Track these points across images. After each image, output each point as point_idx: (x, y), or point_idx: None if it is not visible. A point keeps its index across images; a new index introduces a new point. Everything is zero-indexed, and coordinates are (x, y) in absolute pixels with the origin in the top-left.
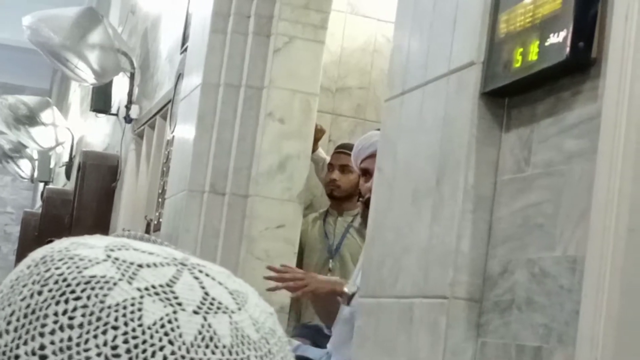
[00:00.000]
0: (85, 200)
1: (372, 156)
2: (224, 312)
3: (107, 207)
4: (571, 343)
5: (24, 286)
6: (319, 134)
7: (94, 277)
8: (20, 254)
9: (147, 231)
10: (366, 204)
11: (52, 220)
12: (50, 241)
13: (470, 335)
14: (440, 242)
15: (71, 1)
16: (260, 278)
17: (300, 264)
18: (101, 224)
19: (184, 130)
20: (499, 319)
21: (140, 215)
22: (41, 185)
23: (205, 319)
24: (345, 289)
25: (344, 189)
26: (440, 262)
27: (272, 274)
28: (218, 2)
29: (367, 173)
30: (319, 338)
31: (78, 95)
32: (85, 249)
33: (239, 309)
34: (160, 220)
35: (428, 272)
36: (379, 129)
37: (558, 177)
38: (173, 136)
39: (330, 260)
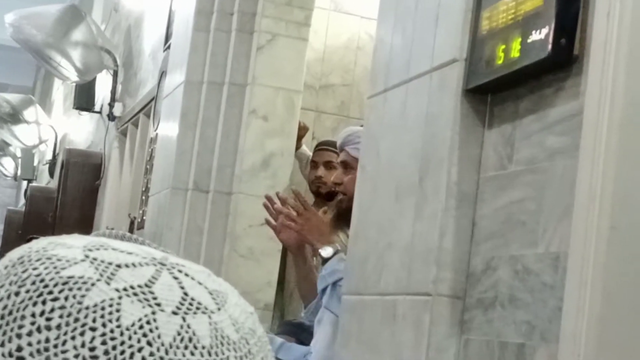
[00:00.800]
0: (69, 198)
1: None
2: (204, 313)
3: (91, 205)
4: (554, 340)
5: (1, 287)
6: (302, 131)
7: (71, 277)
8: (4, 252)
9: (131, 229)
10: (329, 197)
11: (35, 218)
12: (32, 239)
13: (454, 332)
14: (424, 239)
15: None
16: (244, 275)
17: (284, 261)
18: (85, 222)
19: (167, 128)
20: (482, 316)
21: (124, 213)
22: (25, 183)
23: (184, 319)
24: (321, 251)
25: (329, 185)
26: (424, 259)
27: (271, 205)
28: None
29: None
30: (303, 335)
31: (61, 93)
32: (63, 249)
33: (219, 309)
34: (144, 218)
35: (411, 269)
36: (362, 126)
37: (541, 174)
38: (156, 134)
39: (314, 258)
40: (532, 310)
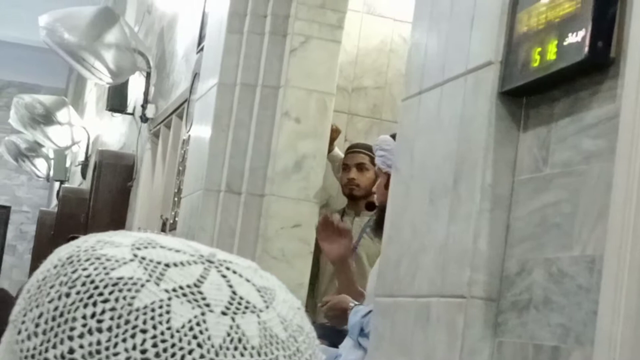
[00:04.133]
0: (101, 200)
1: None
2: (252, 312)
3: (123, 207)
4: (589, 343)
5: (51, 287)
6: (334, 133)
7: (121, 278)
8: (36, 253)
9: (163, 230)
10: (372, 207)
11: (68, 220)
12: (73, 237)
13: (488, 334)
14: (458, 241)
15: (87, 1)
16: (276, 276)
17: (316, 264)
18: (117, 223)
19: (200, 130)
20: (517, 318)
21: (156, 214)
22: (57, 184)
23: (233, 319)
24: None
25: (363, 187)
26: (458, 261)
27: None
28: (234, 2)
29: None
30: (336, 338)
31: (94, 94)
32: (112, 248)
33: (267, 307)
34: (176, 219)
35: (445, 272)
36: (393, 135)
37: (576, 177)
38: (189, 135)
39: (348, 259)
40: (566, 313)
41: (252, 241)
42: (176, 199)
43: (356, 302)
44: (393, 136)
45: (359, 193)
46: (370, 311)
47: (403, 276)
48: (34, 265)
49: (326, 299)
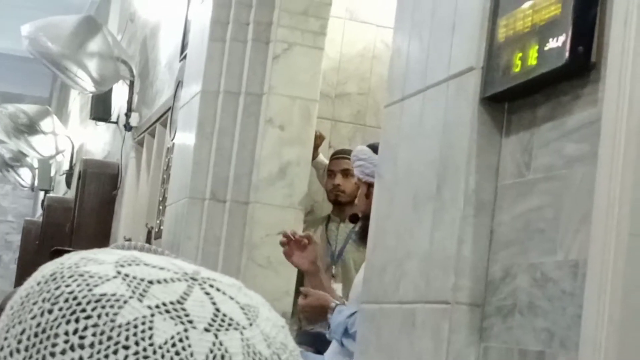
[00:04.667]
0: (86, 209)
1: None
2: (235, 329)
3: (108, 215)
4: (574, 347)
5: (34, 304)
6: (318, 140)
7: (104, 295)
8: (22, 263)
9: (149, 239)
10: (355, 218)
11: (53, 229)
12: (56, 251)
13: (473, 340)
14: (442, 247)
15: (70, 9)
16: (262, 285)
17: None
18: (102, 232)
19: (184, 138)
20: (502, 323)
21: (141, 222)
22: (42, 193)
23: (216, 336)
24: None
25: (348, 193)
26: (442, 267)
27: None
28: (217, 9)
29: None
30: (321, 345)
31: (78, 103)
32: (95, 265)
33: (250, 325)
34: (162, 227)
35: (430, 278)
36: (370, 145)
37: (559, 182)
38: (173, 144)
39: (333, 267)
40: (551, 317)
41: (238, 249)
42: (161, 207)
43: (337, 302)
44: (370, 146)
45: (345, 199)
46: (355, 312)
47: (388, 283)
48: (20, 275)
49: (305, 289)
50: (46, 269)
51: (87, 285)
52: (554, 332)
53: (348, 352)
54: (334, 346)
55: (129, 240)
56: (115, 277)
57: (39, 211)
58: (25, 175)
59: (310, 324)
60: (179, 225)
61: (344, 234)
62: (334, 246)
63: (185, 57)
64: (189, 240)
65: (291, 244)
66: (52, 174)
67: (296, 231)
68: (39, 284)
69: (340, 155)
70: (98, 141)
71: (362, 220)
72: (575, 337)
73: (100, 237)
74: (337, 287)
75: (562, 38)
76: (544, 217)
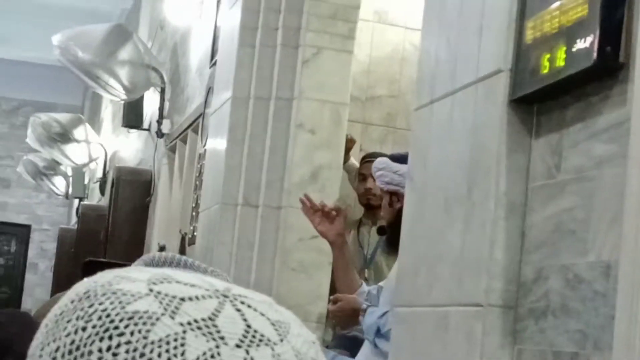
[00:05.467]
0: (120, 216)
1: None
2: (266, 345)
3: (142, 222)
4: (607, 348)
5: (68, 322)
6: (350, 143)
7: (136, 312)
8: (57, 271)
9: (182, 245)
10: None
11: (87, 236)
12: (89, 262)
13: (506, 342)
14: (473, 249)
15: (101, 18)
16: (296, 289)
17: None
18: (136, 239)
19: (215, 144)
20: (535, 325)
21: (175, 229)
22: (76, 201)
23: (247, 352)
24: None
25: (379, 196)
26: (474, 269)
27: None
28: (246, 15)
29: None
30: (356, 348)
31: (110, 111)
32: (128, 283)
33: (281, 341)
34: (195, 234)
35: (462, 280)
36: (384, 155)
37: (589, 182)
38: (205, 150)
39: (366, 270)
40: (584, 319)
41: (271, 254)
42: (194, 213)
43: (368, 304)
44: (388, 156)
45: (376, 202)
46: (386, 312)
47: (420, 286)
48: (56, 283)
49: (335, 296)
50: (80, 287)
51: (120, 303)
52: (587, 334)
53: (382, 353)
54: (366, 348)
55: (163, 247)
56: (147, 294)
57: (74, 219)
58: (59, 184)
59: (343, 329)
60: (212, 231)
61: (375, 238)
62: (366, 249)
63: (215, 63)
64: (222, 245)
65: (320, 215)
66: (86, 181)
67: (325, 203)
68: (72, 302)
69: (371, 158)
70: (130, 148)
71: (388, 230)
72: (609, 338)
73: (135, 244)
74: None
75: (589, 39)
76: (575, 218)
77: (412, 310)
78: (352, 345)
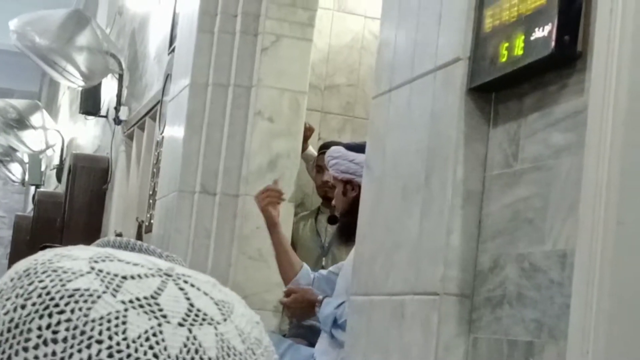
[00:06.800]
0: (77, 203)
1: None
2: (210, 324)
3: (99, 209)
4: (562, 337)
5: (7, 300)
6: (308, 132)
7: (77, 290)
8: (13, 258)
9: (139, 232)
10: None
11: (44, 224)
12: (45, 247)
13: (462, 331)
14: (431, 237)
15: (59, 3)
16: (253, 277)
17: None
18: (93, 226)
19: (173, 131)
20: (491, 314)
21: (132, 216)
22: (32, 188)
23: (190, 331)
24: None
25: None
26: (431, 258)
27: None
28: (205, 1)
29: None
30: (314, 337)
31: (67, 97)
32: (69, 261)
33: (225, 320)
34: (152, 221)
35: (419, 269)
36: (337, 144)
37: (546, 172)
38: (163, 137)
39: (323, 258)
40: (540, 307)
41: (228, 241)
42: (151, 201)
43: (323, 294)
44: (345, 145)
45: (334, 194)
46: (342, 302)
47: (377, 274)
48: None
49: (288, 288)
50: (20, 266)
51: (61, 280)
52: (542, 322)
53: (338, 343)
54: (323, 339)
55: (120, 234)
56: (89, 272)
57: (30, 206)
58: (15, 170)
59: (299, 321)
60: (170, 218)
61: (333, 227)
62: (324, 238)
63: (173, 49)
64: (179, 233)
65: (269, 193)
66: (43, 168)
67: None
68: (12, 280)
69: (327, 149)
70: (88, 135)
71: (341, 219)
72: (564, 327)
73: (91, 231)
74: None
75: (548, 28)
76: (532, 207)
77: (368, 299)
78: (309, 333)
